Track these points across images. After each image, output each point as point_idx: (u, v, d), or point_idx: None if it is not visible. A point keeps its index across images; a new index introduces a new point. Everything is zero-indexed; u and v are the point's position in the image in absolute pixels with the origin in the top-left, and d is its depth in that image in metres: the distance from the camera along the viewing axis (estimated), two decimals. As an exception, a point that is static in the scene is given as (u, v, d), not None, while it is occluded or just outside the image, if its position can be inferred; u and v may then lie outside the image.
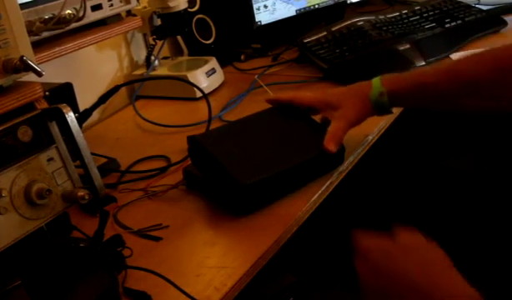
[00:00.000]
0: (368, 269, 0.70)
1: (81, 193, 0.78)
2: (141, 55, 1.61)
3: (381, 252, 0.70)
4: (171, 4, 1.42)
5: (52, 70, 0.98)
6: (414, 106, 1.06)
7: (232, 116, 1.30)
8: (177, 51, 1.68)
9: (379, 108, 1.02)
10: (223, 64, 1.57)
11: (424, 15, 1.64)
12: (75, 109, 1.10)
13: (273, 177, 0.93)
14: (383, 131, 1.17)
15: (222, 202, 0.95)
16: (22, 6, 0.99)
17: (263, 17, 1.64)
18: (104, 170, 1.10)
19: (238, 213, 0.91)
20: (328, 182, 0.98)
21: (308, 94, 1.08)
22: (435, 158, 1.13)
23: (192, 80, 1.40)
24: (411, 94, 1.00)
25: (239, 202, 0.92)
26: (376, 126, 1.15)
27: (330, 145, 0.97)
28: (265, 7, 1.64)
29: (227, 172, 0.91)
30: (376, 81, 1.02)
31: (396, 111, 1.23)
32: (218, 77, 1.51)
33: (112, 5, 1.19)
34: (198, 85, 1.35)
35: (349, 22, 1.61)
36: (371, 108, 1.02)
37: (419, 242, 0.70)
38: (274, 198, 0.94)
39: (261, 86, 1.43)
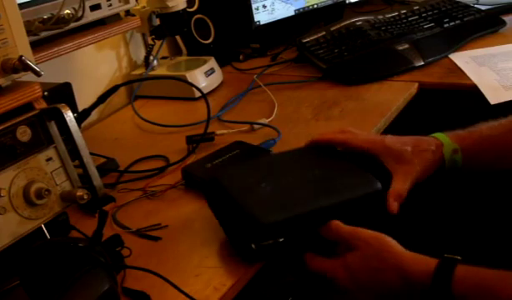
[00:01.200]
0: (346, 281, 0.79)
1: (80, 193, 0.78)
2: (140, 55, 1.61)
3: (346, 266, 0.79)
4: (170, 4, 1.42)
5: (51, 70, 0.98)
6: (490, 165, 0.96)
7: (230, 116, 1.30)
8: (176, 51, 1.68)
9: (452, 167, 0.93)
10: (221, 64, 1.57)
11: (423, 15, 1.64)
12: (74, 109, 1.09)
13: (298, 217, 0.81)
14: (382, 131, 1.17)
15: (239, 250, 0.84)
16: (21, 6, 0.99)
17: (261, 16, 1.64)
18: (103, 170, 1.10)
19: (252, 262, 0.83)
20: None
21: (364, 136, 0.97)
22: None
23: (191, 80, 1.40)
24: (485, 150, 0.94)
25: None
26: (375, 126, 1.15)
27: (394, 206, 0.87)
28: (264, 7, 1.64)
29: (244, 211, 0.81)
30: (442, 137, 0.94)
31: (395, 109, 1.23)
32: (217, 77, 1.51)
33: (110, 5, 1.18)
34: (196, 85, 1.35)
35: (348, 21, 1.61)
36: (440, 166, 0.93)
37: (368, 244, 0.79)
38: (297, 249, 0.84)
39: (260, 86, 1.43)
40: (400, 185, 0.89)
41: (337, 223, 0.82)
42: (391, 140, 0.94)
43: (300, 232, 0.83)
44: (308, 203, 0.82)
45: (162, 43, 1.53)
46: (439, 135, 0.95)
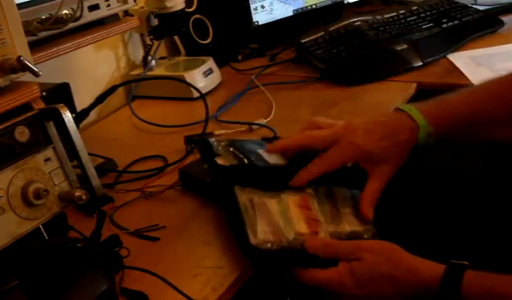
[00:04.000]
0: (353, 288, 0.78)
1: (78, 193, 0.77)
2: (138, 55, 1.60)
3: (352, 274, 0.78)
4: (168, 4, 1.42)
5: (50, 70, 0.98)
6: (461, 142, 0.97)
7: (228, 116, 1.30)
8: (174, 51, 1.68)
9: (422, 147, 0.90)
10: (220, 64, 1.57)
11: (422, 15, 1.64)
12: (72, 109, 1.09)
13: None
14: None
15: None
16: (20, 6, 0.99)
17: (260, 17, 1.64)
18: (101, 170, 1.10)
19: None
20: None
21: (328, 135, 0.90)
22: (439, 158, 1.11)
23: (189, 80, 1.40)
24: (459, 130, 0.90)
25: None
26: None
27: (370, 212, 0.86)
28: (262, 7, 1.64)
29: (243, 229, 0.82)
30: (418, 116, 0.89)
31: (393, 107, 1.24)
32: (216, 78, 1.51)
33: (109, 5, 1.18)
34: (195, 85, 1.35)
35: (347, 22, 1.61)
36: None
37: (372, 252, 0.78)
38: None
39: (258, 86, 1.43)
40: (376, 186, 0.87)
41: (333, 240, 0.81)
42: (363, 138, 0.88)
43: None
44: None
45: (159, 43, 1.53)
46: (413, 112, 0.89)
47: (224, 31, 1.67)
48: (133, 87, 1.49)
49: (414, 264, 0.76)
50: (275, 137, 1.15)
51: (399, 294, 0.77)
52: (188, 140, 1.16)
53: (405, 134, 0.89)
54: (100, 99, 1.11)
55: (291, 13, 1.71)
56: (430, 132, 0.88)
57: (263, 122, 1.22)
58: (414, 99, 1.31)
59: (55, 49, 1.06)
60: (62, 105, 0.78)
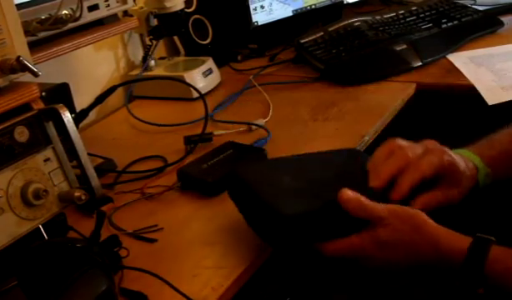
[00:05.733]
0: (376, 254, 0.79)
1: (77, 194, 0.77)
2: (138, 55, 1.60)
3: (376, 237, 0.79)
4: (168, 4, 1.42)
5: (49, 70, 0.98)
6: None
7: (228, 116, 1.30)
8: (174, 51, 1.68)
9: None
10: (219, 64, 1.57)
11: (421, 15, 1.64)
12: (72, 109, 1.09)
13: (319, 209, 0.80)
14: (379, 131, 1.17)
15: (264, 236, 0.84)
16: (19, 6, 0.99)
17: (259, 17, 1.64)
18: (101, 170, 1.09)
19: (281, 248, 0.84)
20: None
21: (428, 163, 0.86)
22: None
23: (188, 80, 1.40)
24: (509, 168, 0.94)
25: (282, 236, 0.80)
26: (372, 126, 1.15)
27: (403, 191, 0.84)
28: (262, 7, 1.64)
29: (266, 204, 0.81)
30: (476, 159, 0.92)
31: (393, 110, 1.24)
32: (215, 78, 1.51)
33: (108, 5, 1.18)
34: (194, 85, 1.35)
35: (346, 22, 1.61)
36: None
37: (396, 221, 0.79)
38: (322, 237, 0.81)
39: (255, 85, 1.43)
40: (439, 198, 0.87)
41: (371, 202, 0.80)
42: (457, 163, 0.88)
43: (324, 224, 0.81)
44: (329, 195, 0.80)
45: (157, 43, 1.53)
46: (472, 157, 0.92)
47: (224, 31, 1.67)
48: (130, 87, 1.49)
49: (439, 234, 0.77)
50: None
51: (417, 261, 0.78)
52: (188, 140, 1.16)
53: (470, 171, 0.90)
54: (99, 99, 1.11)
55: (290, 13, 1.71)
56: (488, 173, 0.91)
57: (262, 122, 1.22)
58: (413, 99, 1.31)
59: (54, 49, 1.06)
60: (61, 105, 0.78)
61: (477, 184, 0.91)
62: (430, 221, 0.79)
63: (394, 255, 0.78)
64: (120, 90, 1.50)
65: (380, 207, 0.80)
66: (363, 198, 0.79)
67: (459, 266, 0.74)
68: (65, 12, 1.07)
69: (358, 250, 0.79)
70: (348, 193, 0.79)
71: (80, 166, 0.80)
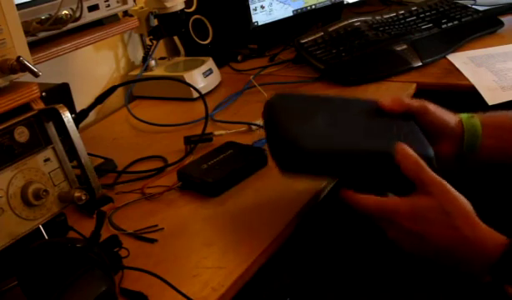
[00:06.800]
0: (409, 221, 0.76)
1: (78, 194, 0.78)
2: (138, 55, 1.61)
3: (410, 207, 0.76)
4: (168, 5, 1.42)
5: (49, 70, 0.98)
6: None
7: (224, 115, 1.30)
8: (174, 51, 1.68)
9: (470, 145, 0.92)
10: (219, 65, 1.57)
11: (421, 15, 1.64)
12: (72, 110, 1.09)
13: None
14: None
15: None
16: (19, 6, 0.99)
17: (259, 17, 1.64)
18: (101, 170, 1.10)
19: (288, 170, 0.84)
20: (325, 182, 0.98)
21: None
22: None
23: (188, 80, 1.40)
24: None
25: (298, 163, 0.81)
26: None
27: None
28: (262, 7, 1.64)
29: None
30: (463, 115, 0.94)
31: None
32: (215, 78, 1.51)
33: (108, 5, 1.19)
34: (194, 85, 1.35)
35: (346, 22, 1.61)
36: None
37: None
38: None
39: (255, 86, 1.43)
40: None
41: (425, 166, 0.78)
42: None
43: (341, 170, 0.82)
44: (354, 144, 0.81)
45: (157, 43, 1.53)
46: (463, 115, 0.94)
47: (224, 31, 1.67)
48: (130, 87, 1.49)
49: (480, 228, 0.75)
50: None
51: (447, 249, 0.75)
52: (188, 140, 1.17)
53: (452, 119, 0.93)
54: (100, 99, 1.11)
55: (290, 14, 1.70)
56: (474, 124, 0.91)
57: (262, 122, 1.22)
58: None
59: (54, 49, 1.06)
60: (61, 105, 0.78)
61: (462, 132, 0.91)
62: (473, 213, 0.76)
63: (428, 232, 0.75)
64: (120, 90, 1.50)
65: (437, 179, 0.77)
66: (421, 160, 0.78)
67: (493, 261, 0.73)
68: (65, 12, 1.07)
69: (391, 212, 0.77)
70: (408, 149, 0.79)
71: (80, 166, 0.80)
